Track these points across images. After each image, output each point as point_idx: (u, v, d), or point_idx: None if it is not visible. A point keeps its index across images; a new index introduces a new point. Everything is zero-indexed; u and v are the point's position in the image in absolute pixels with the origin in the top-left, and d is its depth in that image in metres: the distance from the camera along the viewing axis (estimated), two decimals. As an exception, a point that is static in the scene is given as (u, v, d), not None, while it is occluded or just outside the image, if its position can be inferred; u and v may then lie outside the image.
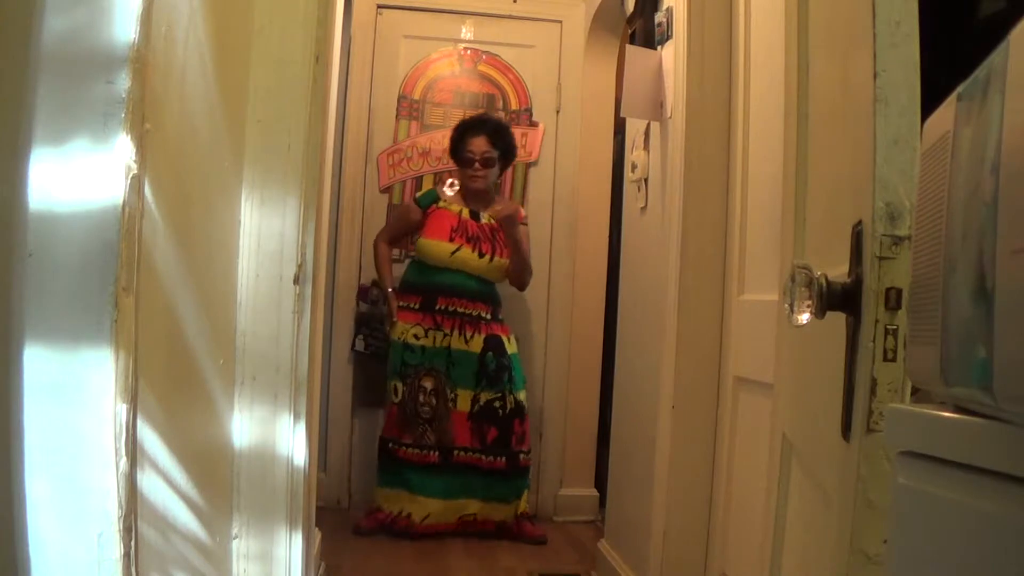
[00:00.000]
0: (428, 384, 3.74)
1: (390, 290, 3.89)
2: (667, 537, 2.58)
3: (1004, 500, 0.58)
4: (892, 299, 0.95)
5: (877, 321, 0.96)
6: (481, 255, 3.80)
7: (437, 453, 3.74)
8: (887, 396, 0.95)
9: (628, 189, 3.26)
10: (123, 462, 1.15)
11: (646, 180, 3.01)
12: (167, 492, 1.45)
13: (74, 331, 1.12)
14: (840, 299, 1.03)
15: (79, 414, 1.13)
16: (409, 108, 4.28)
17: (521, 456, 3.80)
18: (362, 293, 4.17)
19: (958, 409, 0.67)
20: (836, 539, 1.04)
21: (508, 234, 3.78)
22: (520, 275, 3.90)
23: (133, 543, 1.17)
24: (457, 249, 3.78)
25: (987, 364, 0.56)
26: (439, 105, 4.29)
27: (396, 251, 4.11)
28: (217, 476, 1.87)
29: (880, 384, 0.95)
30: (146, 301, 1.24)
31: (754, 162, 2.39)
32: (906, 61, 1.00)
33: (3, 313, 1.11)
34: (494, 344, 3.79)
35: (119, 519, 1.15)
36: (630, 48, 3.00)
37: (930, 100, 0.87)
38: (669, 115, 2.75)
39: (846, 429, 1.04)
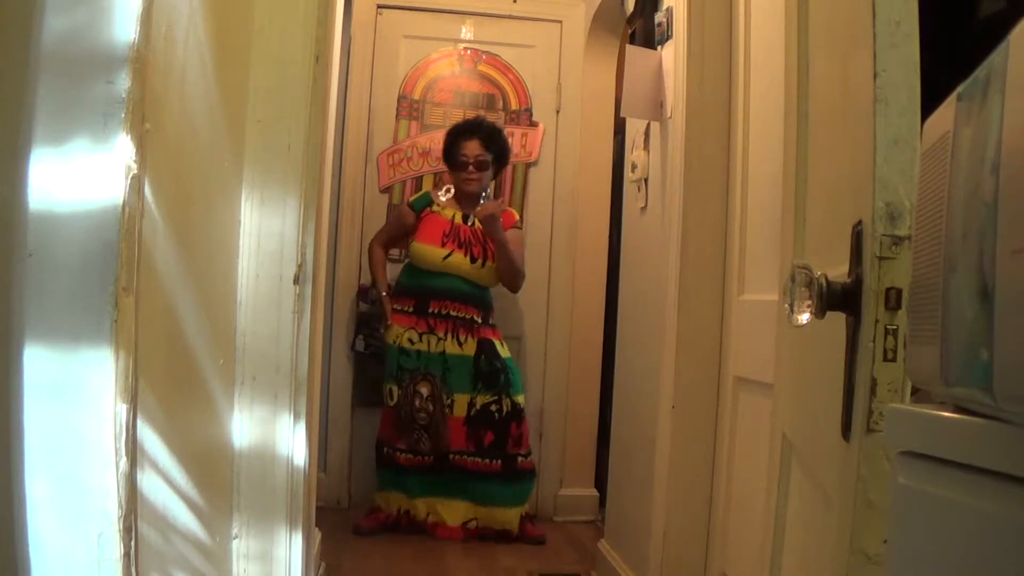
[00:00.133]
0: (424, 390, 3.74)
1: (384, 293, 3.89)
2: (667, 537, 2.58)
3: (1004, 500, 0.58)
4: (892, 299, 0.95)
5: (877, 321, 0.96)
6: (473, 259, 3.80)
7: (432, 458, 3.75)
8: (887, 396, 0.95)
9: (628, 189, 3.26)
10: (123, 462, 1.15)
11: (646, 180, 3.01)
12: (167, 492, 1.45)
13: (74, 331, 1.12)
14: (840, 299, 1.03)
15: (79, 414, 1.13)
16: (409, 108, 4.28)
17: (519, 459, 3.79)
18: (362, 293, 4.17)
19: (958, 409, 0.67)
20: (836, 539, 1.04)
21: (490, 232, 3.75)
22: (511, 277, 3.87)
23: (133, 543, 1.17)
24: (449, 254, 3.78)
25: (987, 364, 0.56)
26: (439, 105, 4.29)
27: (396, 251, 4.11)
28: (217, 476, 1.87)
29: (880, 384, 0.95)
30: (146, 301, 1.24)
31: (754, 162, 2.39)
32: (906, 61, 1.00)
33: (3, 313, 1.11)
34: (487, 348, 3.79)
35: (119, 519, 1.15)
36: (630, 48, 3.00)
37: (930, 100, 0.87)
38: (669, 115, 2.75)
39: (846, 429, 1.04)
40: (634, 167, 3.11)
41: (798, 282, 1.05)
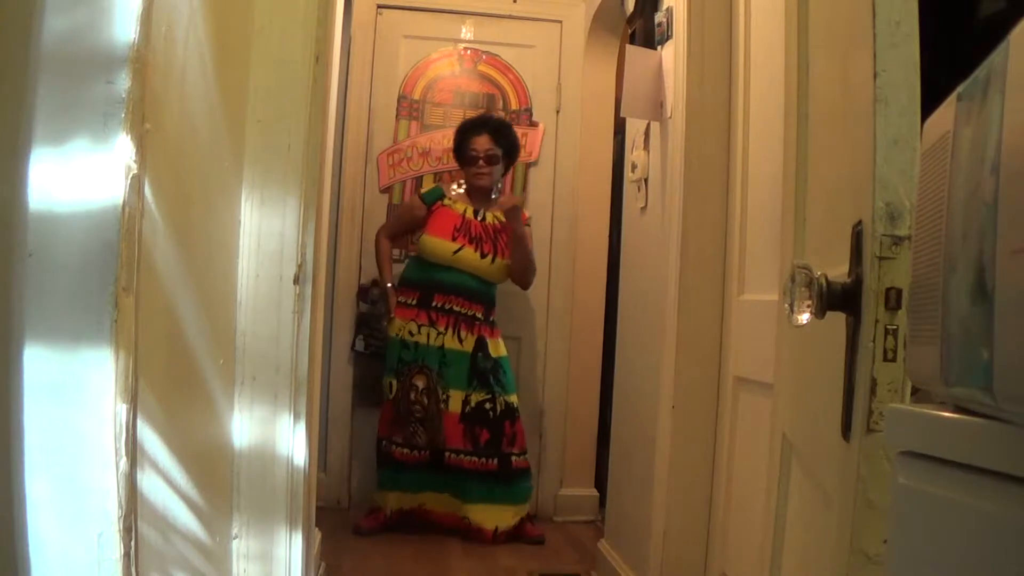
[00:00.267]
0: (420, 383, 3.74)
1: (389, 285, 3.89)
2: (667, 537, 2.58)
3: (1004, 500, 0.58)
4: (892, 299, 0.95)
5: (877, 321, 0.96)
6: (483, 255, 3.80)
7: (428, 454, 3.74)
8: (887, 396, 0.95)
9: (628, 189, 3.26)
10: (123, 462, 1.15)
11: (646, 180, 3.01)
12: (167, 492, 1.45)
13: (74, 331, 1.12)
14: (840, 299, 1.03)
15: (79, 414, 1.13)
16: (409, 108, 4.28)
17: (514, 458, 3.78)
18: (362, 293, 4.17)
19: (958, 409, 0.67)
20: (836, 539, 1.04)
21: (513, 226, 3.77)
22: (524, 272, 3.89)
23: (133, 543, 1.17)
24: (459, 249, 3.78)
25: (987, 364, 0.56)
26: (439, 105, 4.29)
27: (396, 251, 4.11)
28: (217, 476, 1.87)
29: (880, 384, 0.95)
30: (146, 301, 1.24)
31: (754, 162, 2.39)
32: (906, 61, 1.00)
33: (3, 313, 1.11)
34: (483, 346, 3.79)
35: (119, 519, 1.15)
36: (630, 48, 3.00)
37: (930, 100, 0.87)
38: (669, 115, 2.75)
39: (846, 429, 1.04)
40: (634, 167, 3.11)
41: (798, 282, 1.05)
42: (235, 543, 1.97)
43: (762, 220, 2.28)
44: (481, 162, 3.82)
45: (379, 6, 4.24)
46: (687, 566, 2.55)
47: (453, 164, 4.17)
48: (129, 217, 1.15)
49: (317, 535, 2.73)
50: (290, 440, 2.00)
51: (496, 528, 3.74)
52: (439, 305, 3.77)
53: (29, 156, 1.11)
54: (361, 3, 4.16)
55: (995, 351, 0.55)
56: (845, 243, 1.08)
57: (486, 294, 3.84)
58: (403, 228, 3.98)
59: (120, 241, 1.13)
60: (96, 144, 1.13)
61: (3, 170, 1.12)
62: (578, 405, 4.29)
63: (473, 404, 3.76)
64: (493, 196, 3.95)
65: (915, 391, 0.94)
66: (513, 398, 3.82)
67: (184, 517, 1.56)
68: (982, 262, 0.57)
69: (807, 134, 1.50)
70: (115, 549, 1.14)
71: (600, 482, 4.07)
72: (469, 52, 4.32)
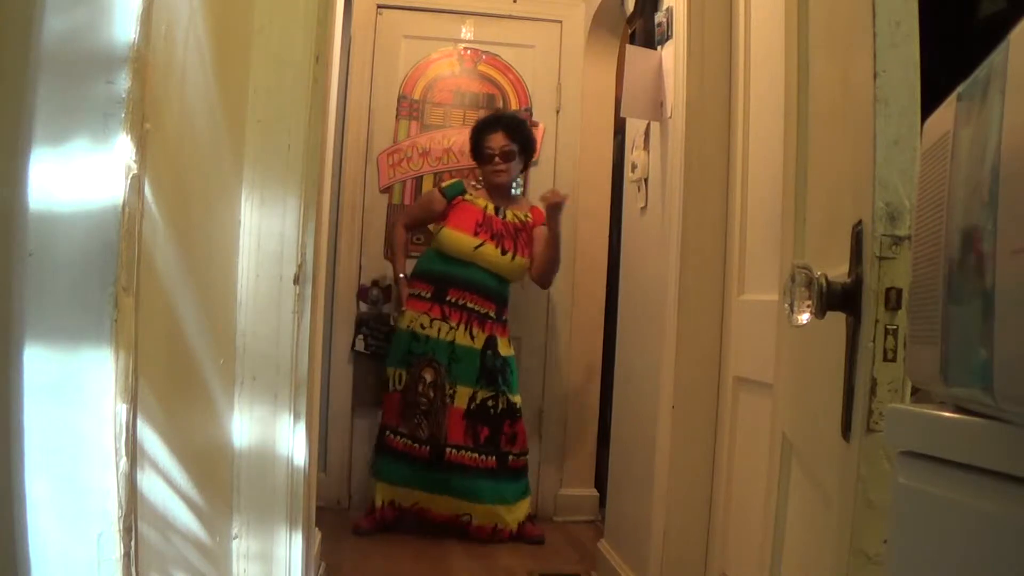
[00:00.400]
0: (428, 376, 3.73)
1: (401, 276, 3.88)
2: (667, 537, 2.58)
3: (1004, 500, 0.58)
4: (892, 299, 0.95)
5: (877, 321, 0.96)
6: (503, 252, 3.80)
7: (429, 449, 3.72)
8: (887, 396, 0.95)
9: (628, 189, 3.26)
10: (123, 462, 1.15)
11: (646, 180, 3.01)
12: (167, 492, 1.45)
13: (74, 331, 1.12)
14: (840, 299, 1.03)
15: (79, 414, 1.13)
16: (409, 108, 4.28)
17: (511, 457, 3.78)
18: (362, 293, 4.17)
19: (958, 409, 0.67)
20: (836, 539, 1.04)
21: (553, 221, 3.76)
22: (550, 270, 3.89)
23: (133, 543, 1.17)
24: (480, 244, 3.77)
25: (987, 364, 0.56)
26: (439, 105, 4.29)
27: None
28: (217, 476, 1.87)
29: (880, 384, 0.95)
30: (146, 301, 1.24)
31: (754, 162, 2.39)
32: (906, 61, 1.00)
33: (3, 313, 1.11)
34: (492, 344, 3.79)
35: (119, 519, 1.15)
36: (630, 48, 3.00)
37: (930, 100, 0.87)
38: (669, 115, 2.75)
39: (846, 429, 1.04)
40: (634, 167, 3.11)
41: (798, 282, 1.05)
42: (235, 543, 1.97)
43: (762, 220, 2.28)
44: (497, 159, 3.83)
45: (379, 6, 4.24)
46: (687, 566, 2.55)
47: (453, 164, 4.18)
48: (129, 217, 1.15)
49: (317, 535, 2.73)
50: (290, 440, 2.00)
51: (495, 526, 3.74)
52: (453, 300, 3.76)
53: (29, 156, 1.11)
54: (361, 3, 4.16)
55: (995, 351, 0.55)
56: (845, 243, 1.08)
57: (500, 292, 3.84)
58: (422, 219, 3.97)
59: (120, 241, 1.13)
60: (96, 144, 1.13)
61: (3, 170, 1.12)
62: (578, 405, 4.29)
63: (479, 401, 3.75)
64: (514, 192, 3.95)
65: (915, 391, 0.94)
66: (516, 398, 3.82)
67: (184, 517, 1.56)
68: (982, 262, 0.57)
69: (807, 134, 1.50)
70: (115, 549, 1.14)
71: (600, 482, 4.07)
72: (469, 52, 4.32)
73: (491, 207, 3.85)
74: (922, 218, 0.77)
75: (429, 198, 3.97)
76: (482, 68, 4.33)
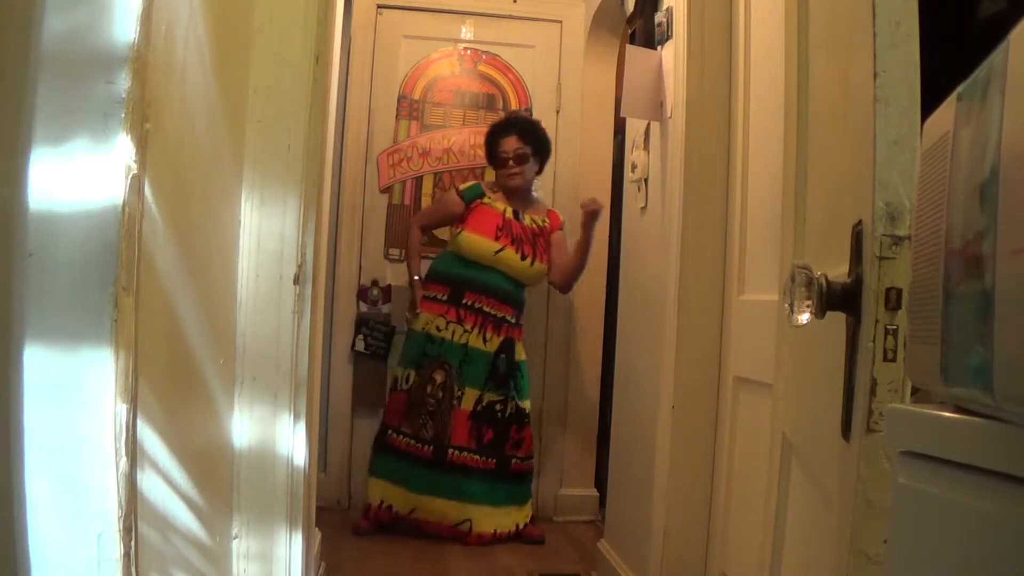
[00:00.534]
0: (439, 377, 3.73)
1: (416, 278, 3.87)
2: (667, 537, 2.58)
3: (1004, 500, 0.58)
4: (892, 299, 0.95)
5: (877, 321, 0.96)
6: (523, 257, 3.79)
7: (431, 449, 3.71)
8: (887, 396, 0.95)
9: (628, 189, 3.26)
10: (123, 462, 1.15)
11: (646, 180, 3.01)
12: (167, 492, 1.45)
13: (74, 331, 1.12)
14: (840, 299, 1.03)
15: (79, 414, 1.13)
16: (409, 108, 4.28)
17: (514, 461, 3.77)
18: (362, 293, 4.17)
19: (958, 409, 0.67)
20: (836, 539, 1.04)
21: (590, 228, 3.75)
22: (574, 277, 3.91)
23: (133, 543, 1.17)
24: (501, 249, 3.76)
25: (987, 364, 0.56)
26: (439, 105, 4.29)
27: (396, 251, 4.10)
28: (217, 476, 1.87)
29: (880, 384, 0.95)
30: (146, 301, 1.24)
31: (754, 162, 2.39)
32: (906, 61, 1.00)
33: (3, 313, 1.11)
34: (508, 348, 3.78)
35: (119, 519, 1.15)
36: (630, 48, 3.00)
37: (930, 100, 0.87)
38: (669, 115, 2.75)
39: (846, 429, 1.04)
40: (634, 167, 3.11)
41: (798, 282, 1.05)
42: (235, 543, 1.97)
43: (762, 220, 2.28)
44: (511, 163, 3.83)
45: (379, 6, 4.24)
46: (687, 566, 2.55)
47: (453, 164, 4.18)
48: (129, 217, 1.15)
49: (317, 535, 2.73)
50: (290, 440, 2.00)
51: (495, 531, 3.73)
52: (469, 303, 3.75)
53: (29, 156, 1.11)
54: (361, 3, 4.16)
55: (995, 351, 0.55)
56: (845, 243, 1.08)
57: (517, 297, 3.83)
58: (438, 221, 3.97)
59: (120, 241, 1.13)
60: (96, 144, 1.13)
61: (3, 170, 1.12)
62: (578, 405, 4.29)
63: (485, 403, 3.75)
64: (534, 195, 3.96)
65: (915, 391, 0.94)
66: (525, 404, 3.82)
67: (184, 517, 1.56)
68: (982, 262, 0.57)
69: (807, 134, 1.50)
70: (115, 549, 1.14)
71: (600, 482, 4.07)
72: (469, 52, 4.32)
73: (510, 211, 3.84)
74: (922, 218, 0.77)
75: (447, 200, 3.95)
76: (482, 68, 4.33)
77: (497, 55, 4.32)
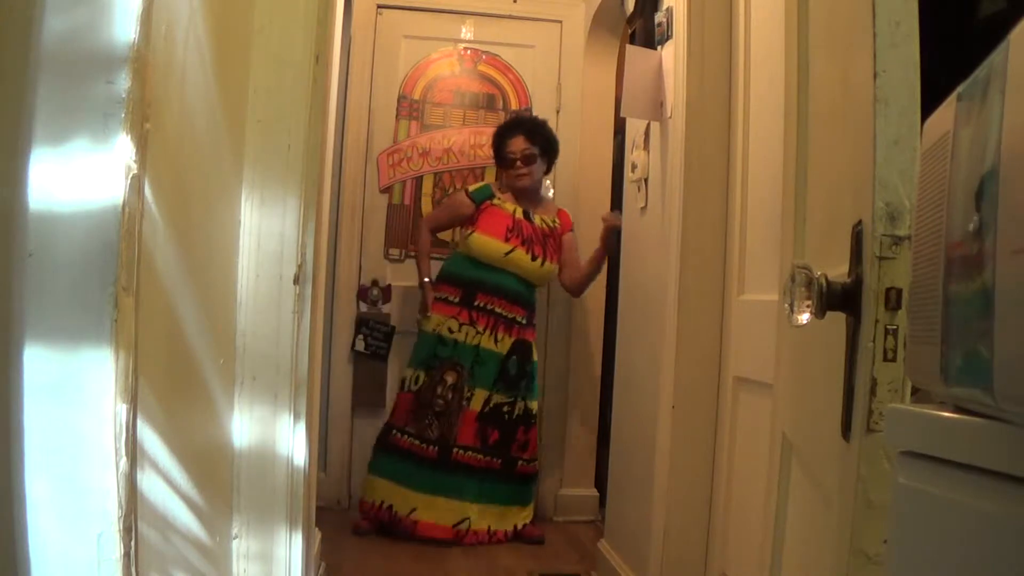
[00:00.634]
0: (450, 379, 3.72)
1: (426, 280, 3.87)
2: (667, 537, 2.58)
3: (1004, 500, 0.58)
4: (892, 299, 0.95)
5: (877, 321, 0.96)
6: (534, 258, 3.80)
7: (436, 449, 3.70)
8: (887, 396, 0.95)
9: (628, 189, 3.26)
10: (123, 462, 1.15)
11: (646, 180, 3.01)
12: (167, 492, 1.45)
13: (74, 331, 1.12)
14: (840, 299, 1.03)
15: (79, 414, 1.13)
16: (409, 108, 4.28)
17: (520, 463, 3.78)
18: (362, 293, 4.17)
19: (958, 409, 0.67)
20: (836, 539, 1.04)
21: (610, 242, 3.75)
22: (589, 283, 3.96)
23: (133, 543, 1.17)
24: (511, 250, 3.76)
25: (987, 364, 0.56)
26: (439, 105, 4.29)
27: (396, 251, 4.09)
28: (217, 476, 1.87)
29: (880, 384, 0.95)
30: (146, 301, 1.24)
31: (754, 162, 2.39)
32: (906, 61, 1.00)
33: (3, 313, 1.11)
34: (521, 349, 3.79)
35: (119, 519, 1.14)
36: (630, 48, 3.00)
37: (930, 100, 0.87)
38: (669, 115, 2.75)
39: (846, 429, 1.04)
40: (634, 167, 3.11)
41: (798, 282, 1.05)
42: (235, 543, 1.97)
43: (762, 220, 2.28)
44: (518, 163, 3.82)
45: (379, 6, 4.24)
46: (687, 566, 2.55)
47: (453, 164, 4.18)
48: (129, 217, 1.15)
49: (317, 535, 2.73)
50: (290, 440, 2.00)
51: (491, 528, 3.73)
52: (481, 305, 3.75)
53: (29, 156, 1.11)
54: (361, 3, 4.15)
55: (995, 351, 0.55)
56: (845, 243, 1.08)
57: (528, 298, 3.84)
58: (448, 223, 3.97)
59: (120, 241, 1.13)
60: (96, 144, 1.13)
61: (3, 170, 1.12)
62: (578, 405, 4.29)
63: (492, 405, 3.75)
64: (547, 194, 3.97)
65: (915, 391, 0.94)
66: (534, 404, 3.83)
67: (184, 517, 1.56)
68: (982, 262, 0.57)
69: (807, 134, 1.50)
70: (115, 549, 1.14)
71: (600, 482, 4.06)
72: (469, 52, 4.32)
73: (519, 211, 3.84)
74: (922, 218, 0.77)
75: (457, 202, 3.94)
76: (482, 68, 4.33)
77: (497, 55, 4.32)
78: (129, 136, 1.15)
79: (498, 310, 3.76)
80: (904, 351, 0.94)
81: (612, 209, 4.02)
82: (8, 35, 1.13)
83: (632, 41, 3.23)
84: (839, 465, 1.06)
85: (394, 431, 3.76)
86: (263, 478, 1.98)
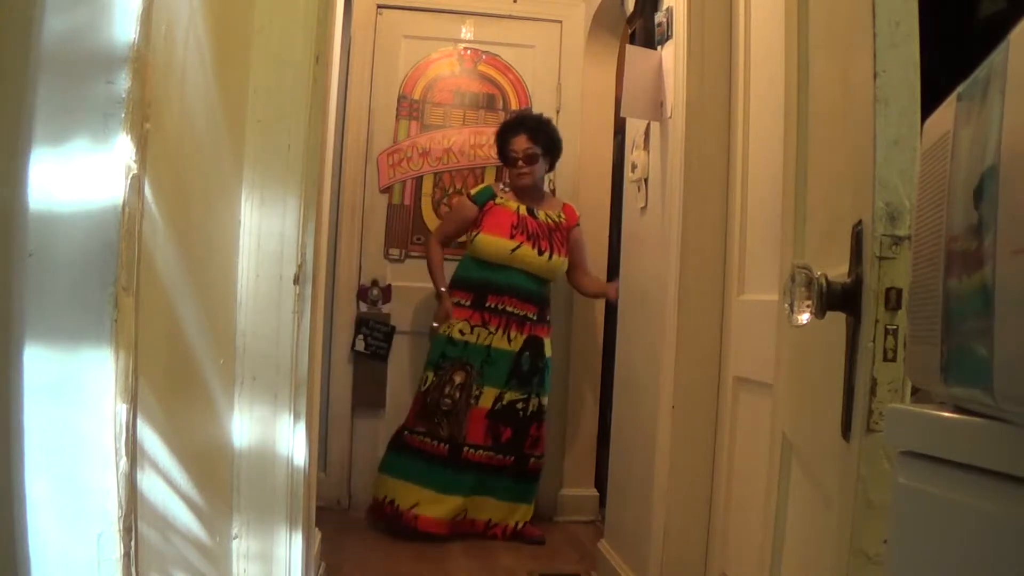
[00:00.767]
0: (458, 378, 3.73)
1: (443, 289, 3.87)
2: (667, 537, 2.58)
3: (1004, 500, 0.58)
4: (892, 299, 0.95)
5: (877, 321, 0.96)
6: (540, 252, 3.80)
7: (447, 447, 3.71)
8: (887, 396, 0.95)
9: (628, 189, 3.26)
10: (123, 462, 1.15)
11: (646, 180, 3.01)
12: (167, 492, 1.45)
13: (74, 331, 1.12)
14: (840, 299, 1.03)
15: (79, 414, 1.13)
16: (409, 108, 4.28)
17: (531, 460, 3.79)
18: (362, 293, 4.17)
19: (958, 409, 0.67)
20: (836, 539, 1.04)
21: (606, 297, 3.95)
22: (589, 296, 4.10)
23: (133, 543, 1.17)
24: (518, 247, 3.78)
25: (987, 364, 0.56)
26: (439, 105, 4.29)
27: (397, 251, 4.09)
28: (217, 476, 1.87)
29: (880, 384, 0.95)
30: (146, 301, 1.24)
31: (754, 162, 2.39)
32: (906, 61, 1.00)
33: (3, 313, 1.11)
34: (534, 345, 3.79)
35: (119, 519, 1.15)
36: (630, 48, 3.00)
37: (930, 100, 0.87)
38: (669, 115, 2.75)
39: (846, 429, 1.04)
40: (634, 167, 3.11)
41: (798, 282, 1.05)
42: (235, 543, 1.97)
43: (762, 220, 2.28)
44: (520, 162, 3.83)
45: (379, 6, 4.24)
46: (687, 566, 2.55)
47: (453, 164, 4.17)
48: (129, 217, 1.15)
49: (317, 535, 2.73)
50: (290, 440, 2.00)
51: (489, 520, 3.75)
52: (492, 305, 3.76)
53: (29, 156, 1.11)
54: (361, 3, 4.15)
55: (995, 351, 0.55)
56: (845, 243, 1.08)
57: (540, 293, 3.85)
58: (455, 231, 3.97)
59: (120, 241, 1.13)
60: (96, 144, 1.13)
61: (3, 170, 1.12)
62: (578, 405, 4.29)
63: (505, 402, 3.75)
64: (552, 191, 3.98)
65: (915, 391, 0.94)
66: (545, 400, 3.84)
67: (184, 517, 1.56)
68: (982, 262, 0.57)
69: (807, 134, 1.50)
70: (115, 549, 1.14)
71: (600, 482, 4.06)
72: (469, 52, 4.32)
73: (523, 208, 3.85)
74: (922, 218, 0.77)
75: (460, 207, 3.96)
76: (482, 68, 4.33)
77: (497, 55, 4.32)
78: (129, 136, 1.15)
79: (510, 309, 3.77)
80: (904, 351, 0.94)
81: (612, 210, 4.03)
82: (8, 35, 1.13)
83: (632, 41, 3.23)
84: (839, 465, 1.06)
85: (405, 431, 3.78)
86: (263, 478, 1.98)
